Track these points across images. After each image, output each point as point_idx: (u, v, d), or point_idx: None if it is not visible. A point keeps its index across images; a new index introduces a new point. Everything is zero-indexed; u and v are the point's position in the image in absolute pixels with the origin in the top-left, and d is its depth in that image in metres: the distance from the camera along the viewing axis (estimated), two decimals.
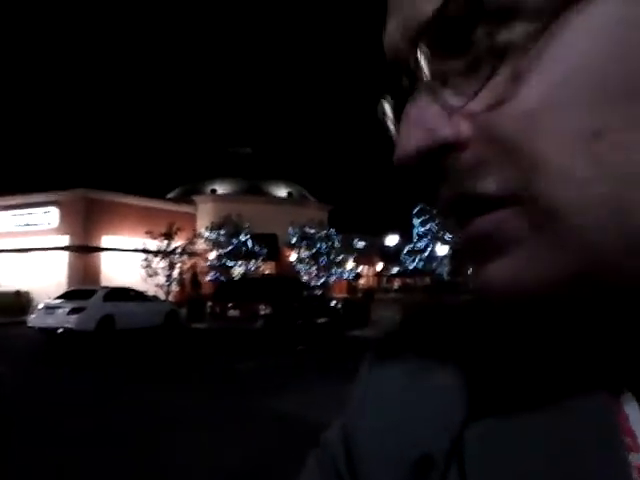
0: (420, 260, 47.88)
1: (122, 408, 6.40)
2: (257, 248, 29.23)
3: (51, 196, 24.24)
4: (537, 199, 0.22)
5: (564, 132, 0.22)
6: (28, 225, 24.77)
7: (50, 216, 24.38)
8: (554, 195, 0.22)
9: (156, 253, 24.14)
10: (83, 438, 5.10)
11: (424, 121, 0.24)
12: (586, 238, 0.22)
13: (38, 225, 24.55)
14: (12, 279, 24.15)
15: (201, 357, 11.17)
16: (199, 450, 4.72)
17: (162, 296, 21.84)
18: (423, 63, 0.24)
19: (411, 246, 48.63)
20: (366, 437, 0.35)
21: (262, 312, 12.86)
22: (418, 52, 0.24)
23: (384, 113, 0.29)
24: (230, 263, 28.36)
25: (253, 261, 29.17)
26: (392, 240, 48.60)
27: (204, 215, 30.07)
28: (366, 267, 45.43)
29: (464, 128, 0.24)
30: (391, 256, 48.91)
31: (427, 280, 41.50)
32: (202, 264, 27.80)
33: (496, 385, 0.30)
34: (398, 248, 49.28)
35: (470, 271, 0.27)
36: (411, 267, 48.96)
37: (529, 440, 0.27)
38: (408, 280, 45.55)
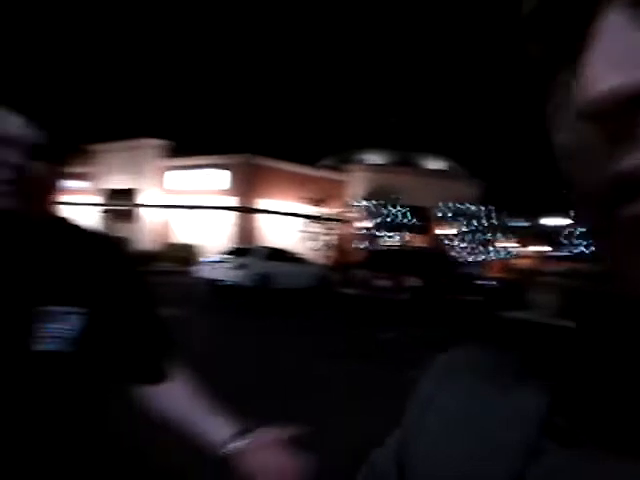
0: (586, 245, 44.02)
1: (278, 362, 6.95)
2: (407, 220, 29.15)
3: (222, 159, 26.32)
4: None
5: None
6: (201, 185, 27.26)
7: (221, 177, 26.54)
8: None
9: (311, 218, 25.26)
10: (246, 387, 5.64)
11: (623, 52, 0.19)
12: None
13: (210, 185, 26.89)
14: (186, 233, 27.02)
15: (347, 321, 11.60)
16: (347, 415, 4.97)
17: (316, 259, 22.84)
18: None
19: (577, 229, 44.85)
20: (422, 462, 0.33)
21: (409, 284, 12.92)
22: None
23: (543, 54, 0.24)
24: (380, 233, 28.67)
25: (403, 233, 29.18)
26: (553, 221, 45.18)
27: (355, 184, 30.55)
28: (524, 247, 42.92)
29: None
30: (551, 238, 45.59)
31: (592, 266, 38.12)
32: (352, 232, 28.47)
33: (580, 420, 0.27)
34: (559, 229, 45.73)
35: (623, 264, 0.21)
36: (576, 251, 45.20)
37: None
38: (571, 264, 42.19)
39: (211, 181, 26.87)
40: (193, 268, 17.00)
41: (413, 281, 13.02)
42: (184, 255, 23.69)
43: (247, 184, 25.44)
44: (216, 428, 1.08)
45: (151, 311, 1.18)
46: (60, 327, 0.97)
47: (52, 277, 1.00)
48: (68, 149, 1.07)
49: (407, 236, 29.32)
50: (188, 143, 28.17)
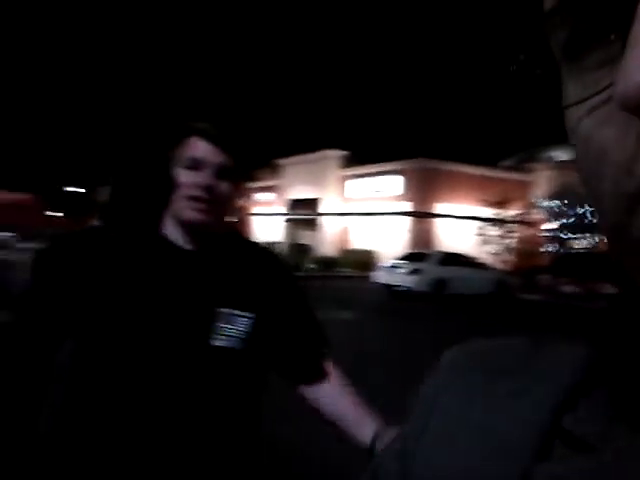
0: None
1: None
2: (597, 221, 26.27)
3: (396, 165, 26.61)
4: None
5: None
6: (377, 192, 27.86)
7: (395, 183, 26.86)
8: None
9: (490, 221, 24.22)
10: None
11: None
12: None
13: (385, 192, 27.37)
14: (362, 239, 27.84)
15: (529, 329, 10.87)
16: None
17: (494, 264, 21.87)
18: None
19: None
20: (425, 463, 0.33)
21: (604, 291, 11.71)
22: None
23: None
24: (566, 235, 26.33)
25: (593, 235, 26.40)
26: None
27: (539, 183, 28.49)
28: None
29: None
30: None
31: None
32: (536, 234, 26.60)
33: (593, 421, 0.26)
34: None
35: None
36: None
37: None
38: None
39: (386, 188, 27.30)
40: (371, 273, 17.44)
41: (608, 288, 11.78)
42: (362, 260, 24.40)
43: (422, 189, 25.32)
44: (364, 426, 1.19)
45: (307, 315, 1.31)
46: (233, 327, 1.14)
47: (229, 283, 1.17)
48: (250, 170, 1.24)
49: (597, 238, 26.46)
50: (366, 152, 29.03)
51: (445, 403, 0.34)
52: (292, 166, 34.81)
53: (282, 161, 35.92)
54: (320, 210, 30.86)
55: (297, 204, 33.18)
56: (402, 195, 26.30)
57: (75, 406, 1.09)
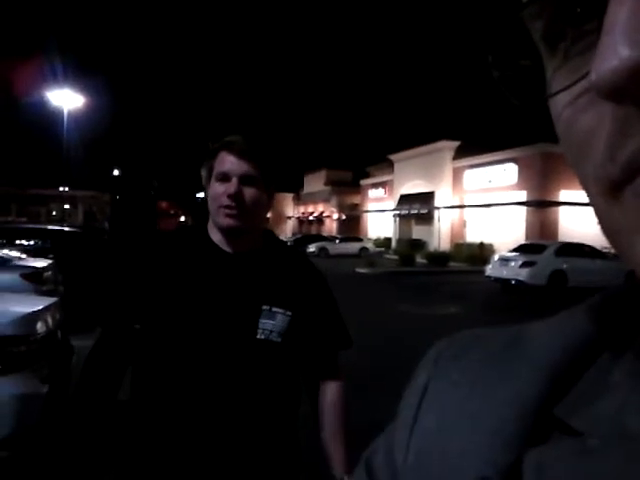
0: None
1: None
2: None
3: (510, 153, 25.31)
4: None
5: None
6: (491, 182, 26.70)
7: (509, 172, 25.56)
8: None
9: None
10: None
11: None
12: None
13: (499, 181, 26.15)
14: (477, 232, 26.83)
15: None
16: None
17: None
18: None
19: None
20: (417, 452, 0.33)
21: None
22: None
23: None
24: None
25: None
26: None
27: None
28: None
29: None
30: None
31: None
32: None
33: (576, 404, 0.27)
34: None
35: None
36: None
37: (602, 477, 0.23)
38: None
39: (501, 177, 26.10)
40: (485, 267, 16.81)
41: None
42: (476, 254, 23.57)
43: (541, 176, 23.83)
44: (335, 464, 1.30)
45: (333, 314, 1.42)
46: (274, 323, 1.27)
47: (269, 283, 1.31)
48: (275, 177, 1.35)
49: None
50: (479, 141, 27.86)
51: (436, 392, 0.34)
52: (404, 161, 34.46)
53: (393, 156, 35.68)
54: (433, 203, 30.23)
55: (408, 198, 32.79)
56: (516, 184, 24.99)
57: (143, 384, 1.27)
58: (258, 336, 1.25)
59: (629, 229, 0.21)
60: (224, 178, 1.27)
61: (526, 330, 0.33)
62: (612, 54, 0.18)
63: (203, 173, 1.33)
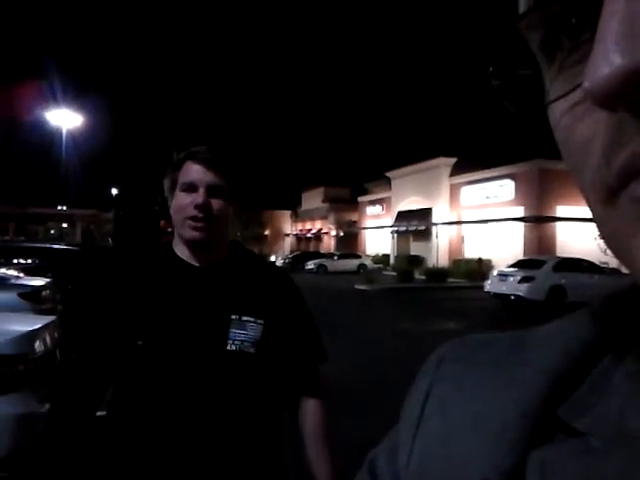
0: None
1: None
2: None
3: (507, 169, 25.44)
4: None
5: None
6: (488, 198, 26.80)
7: (506, 188, 25.65)
8: None
9: None
10: None
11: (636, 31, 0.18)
12: None
13: (496, 197, 26.25)
14: (475, 247, 26.86)
15: None
16: None
17: (620, 269, 20.01)
18: None
19: None
20: (420, 455, 0.33)
21: None
22: None
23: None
24: None
25: None
26: None
27: None
28: None
29: None
30: None
31: None
32: None
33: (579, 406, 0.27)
34: None
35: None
36: None
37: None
38: None
39: (498, 193, 26.20)
40: (483, 282, 16.81)
41: None
42: (474, 270, 23.56)
43: (536, 192, 23.94)
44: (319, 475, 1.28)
45: (307, 326, 1.38)
46: (246, 333, 1.23)
47: (238, 293, 1.28)
48: (240, 190, 1.33)
49: None
50: (475, 157, 28.02)
51: (439, 396, 0.34)
52: (401, 177, 34.62)
53: (391, 173, 35.86)
54: (430, 220, 30.31)
55: (406, 215, 32.88)
56: (514, 200, 25.08)
57: (119, 399, 1.25)
58: (228, 347, 1.21)
59: (626, 234, 0.21)
60: (190, 188, 1.23)
61: (529, 334, 0.34)
62: (604, 62, 0.18)
63: (166, 184, 1.29)
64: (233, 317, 1.22)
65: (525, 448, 0.27)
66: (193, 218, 1.22)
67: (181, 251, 1.30)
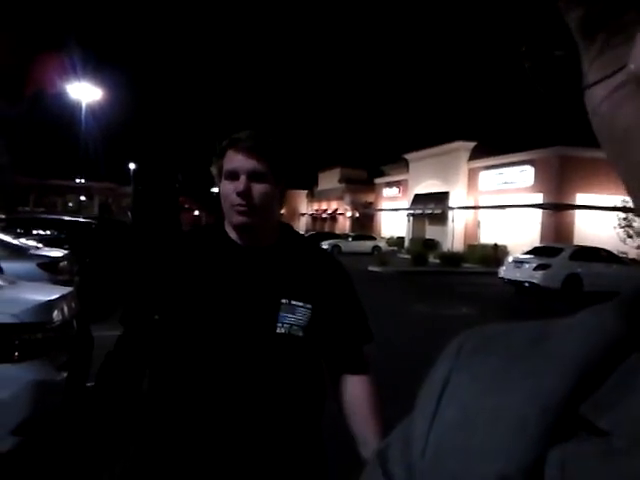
0: None
1: None
2: None
3: (527, 155, 25.08)
4: None
5: None
6: (506, 183, 26.49)
7: (525, 174, 25.32)
8: None
9: (635, 212, 21.80)
10: None
11: None
12: None
13: (515, 183, 25.93)
14: (491, 233, 26.65)
15: None
16: None
17: (637, 259, 19.74)
18: None
19: None
20: (436, 447, 0.33)
21: None
22: None
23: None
24: None
25: None
26: None
27: None
28: None
29: None
30: None
31: None
32: None
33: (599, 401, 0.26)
34: None
35: None
36: None
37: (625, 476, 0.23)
38: None
39: (517, 179, 25.88)
40: (498, 268, 16.72)
41: None
42: (489, 255, 23.40)
43: (555, 179, 23.60)
44: (365, 442, 1.27)
45: (354, 309, 1.40)
46: (295, 317, 1.26)
47: (288, 277, 1.30)
48: (285, 172, 1.33)
49: None
50: (495, 142, 27.63)
51: (457, 386, 0.34)
52: (419, 160, 34.31)
53: (409, 155, 35.55)
54: (447, 204, 30.08)
55: (422, 198, 32.65)
56: (533, 186, 24.76)
57: (161, 377, 1.27)
58: (278, 330, 1.24)
59: None
60: (232, 176, 1.26)
61: (551, 326, 0.33)
62: None
63: (214, 171, 1.32)
64: (283, 301, 1.26)
65: (545, 445, 0.27)
66: (237, 205, 1.25)
67: (232, 233, 1.33)
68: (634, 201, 0.23)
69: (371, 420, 1.30)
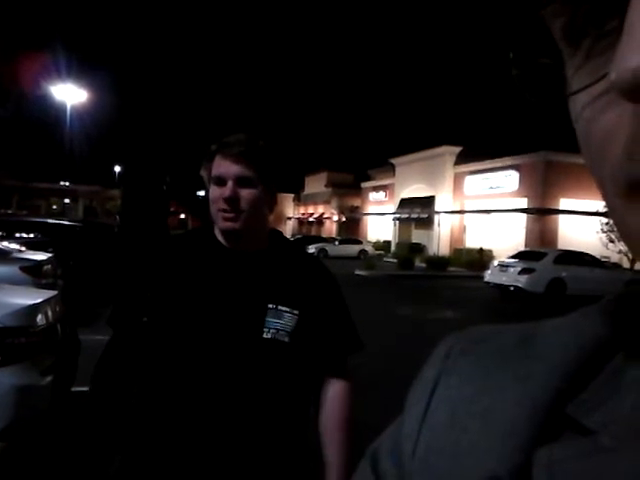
0: None
1: None
2: None
3: (512, 160, 25.33)
4: None
5: None
6: (492, 188, 26.72)
7: (510, 179, 25.57)
8: None
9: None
10: None
11: None
12: None
13: (500, 188, 26.17)
14: (476, 237, 26.86)
15: None
16: None
17: (620, 263, 20.04)
18: None
19: None
20: (425, 449, 0.33)
21: None
22: None
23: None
24: None
25: None
26: None
27: None
28: None
29: None
30: None
31: None
32: None
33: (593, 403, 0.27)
34: None
35: None
36: None
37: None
38: None
39: (502, 183, 26.13)
40: (484, 272, 16.84)
41: None
42: (475, 259, 23.58)
43: (540, 184, 23.85)
44: (332, 466, 1.28)
45: (342, 316, 1.39)
46: (281, 322, 1.26)
47: (276, 282, 1.30)
48: (274, 176, 1.33)
49: None
50: (480, 147, 27.86)
51: (447, 387, 0.34)
52: (405, 165, 34.49)
53: (395, 160, 35.72)
54: (433, 208, 30.26)
55: (409, 202, 32.82)
56: (517, 191, 25.01)
57: (149, 380, 1.27)
58: (264, 335, 1.24)
59: None
60: (220, 182, 1.26)
61: (538, 328, 0.33)
62: (632, 53, 0.18)
63: (203, 175, 1.32)
64: (270, 306, 1.26)
65: (533, 445, 0.27)
66: (223, 210, 1.26)
67: (221, 237, 1.33)
68: (610, 206, 0.23)
69: (336, 439, 1.30)
